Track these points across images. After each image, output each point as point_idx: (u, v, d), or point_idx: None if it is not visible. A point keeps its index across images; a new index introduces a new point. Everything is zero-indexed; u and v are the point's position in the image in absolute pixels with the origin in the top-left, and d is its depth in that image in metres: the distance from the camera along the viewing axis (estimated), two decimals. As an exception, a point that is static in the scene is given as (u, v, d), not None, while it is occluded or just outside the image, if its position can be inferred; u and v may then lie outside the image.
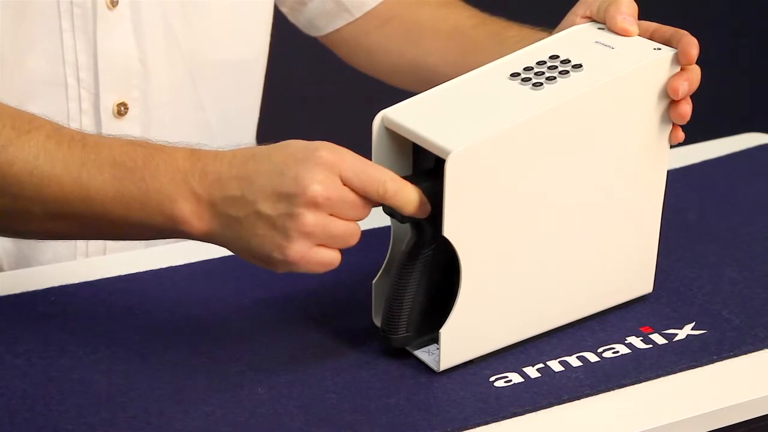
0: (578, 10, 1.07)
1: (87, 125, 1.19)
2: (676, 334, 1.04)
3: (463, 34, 1.26)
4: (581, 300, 1.04)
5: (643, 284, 1.08)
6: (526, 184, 0.96)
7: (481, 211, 0.94)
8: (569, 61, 0.99)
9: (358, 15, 1.32)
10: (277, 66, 1.38)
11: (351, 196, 0.91)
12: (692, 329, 1.04)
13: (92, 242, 1.23)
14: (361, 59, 1.35)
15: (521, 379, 0.97)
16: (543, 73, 0.99)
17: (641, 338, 1.03)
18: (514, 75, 0.99)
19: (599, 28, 1.05)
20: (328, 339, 1.02)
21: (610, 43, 1.02)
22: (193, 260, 1.14)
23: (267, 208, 0.90)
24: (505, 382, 0.97)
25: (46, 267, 1.16)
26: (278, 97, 1.55)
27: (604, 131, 0.99)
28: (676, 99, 1.00)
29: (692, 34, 1.00)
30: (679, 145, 1.06)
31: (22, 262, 1.23)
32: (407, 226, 0.98)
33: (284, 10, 1.36)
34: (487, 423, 0.93)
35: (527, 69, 0.99)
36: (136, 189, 0.93)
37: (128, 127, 1.21)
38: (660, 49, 1.00)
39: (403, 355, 0.99)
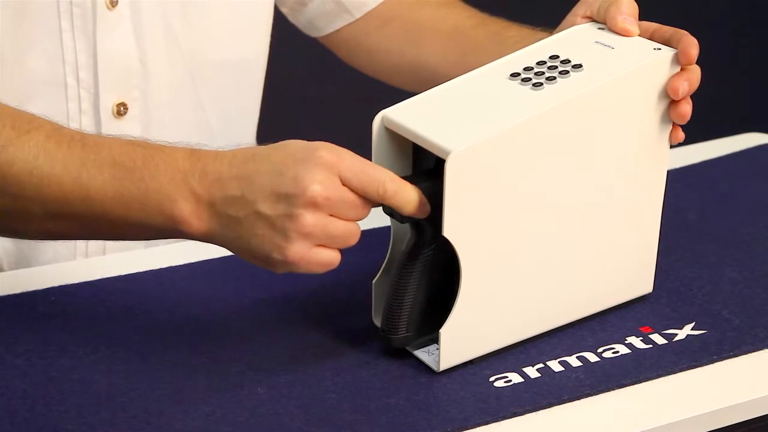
0: (578, 10, 1.08)
1: (87, 125, 1.19)
2: (676, 334, 1.04)
3: (463, 34, 1.26)
4: (581, 300, 1.04)
5: (643, 284, 1.08)
6: (526, 184, 0.96)
7: (481, 211, 0.94)
8: (569, 61, 0.99)
9: (358, 15, 1.32)
10: (277, 66, 1.38)
11: (350, 196, 0.91)
12: (692, 329, 1.04)
13: (92, 242, 1.23)
14: (361, 59, 1.35)
15: (521, 379, 0.97)
16: (543, 73, 0.99)
17: (641, 338, 1.03)
18: (514, 75, 0.99)
19: (599, 28, 1.05)
20: (328, 339, 1.02)
21: (611, 43, 1.02)
22: (193, 260, 1.14)
23: (266, 208, 0.90)
24: (505, 382, 0.97)
25: (46, 267, 1.16)
26: (278, 97, 1.55)
27: (604, 131, 0.99)
28: (676, 99, 1.00)
29: (692, 34, 1.00)
30: (679, 145, 1.06)
31: (22, 262, 1.23)
32: (407, 226, 0.98)
33: (284, 10, 1.36)
34: (487, 423, 0.93)
35: (527, 69, 0.99)
36: (135, 189, 0.93)
37: (128, 127, 1.21)
38: (660, 49, 1.00)
39: (403, 355, 0.99)
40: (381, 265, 1.01)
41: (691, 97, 1.01)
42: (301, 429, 0.92)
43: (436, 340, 0.97)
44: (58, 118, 1.17)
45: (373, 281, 1.02)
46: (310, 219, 0.90)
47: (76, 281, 1.10)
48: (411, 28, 1.30)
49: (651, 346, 1.02)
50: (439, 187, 0.91)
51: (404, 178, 0.94)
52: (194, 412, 0.93)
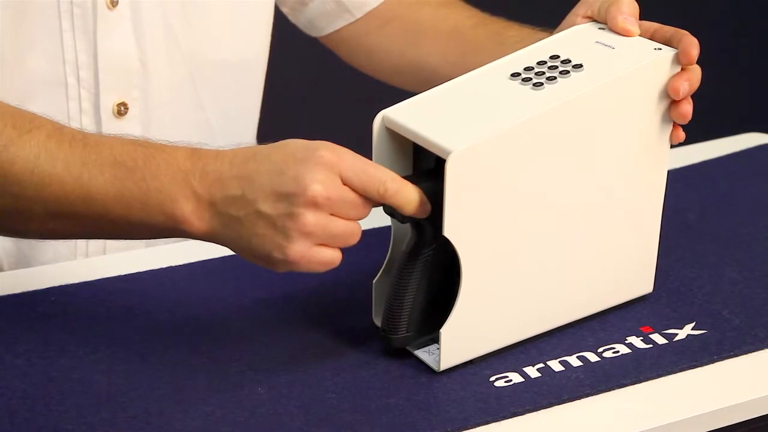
0: (579, 10, 1.08)
1: (87, 125, 1.19)
2: (677, 334, 1.04)
3: (463, 34, 1.26)
4: (581, 300, 1.04)
5: (644, 284, 1.08)
6: (527, 184, 0.96)
7: (481, 211, 0.94)
8: (570, 61, 0.99)
9: (358, 15, 1.32)
10: (277, 66, 1.38)
11: (351, 195, 0.91)
12: (692, 329, 1.04)
13: (92, 242, 1.23)
14: (361, 59, 1.35)
15: (521, 379, 0.97)
16: (543, 73, 0.99)
17: (641, 338, 1.03)
18: (515, 75, 0.99)
19: (600, 28, 1.05)
20: (328, 339, 1.02)
21: (611, 43, 1.02)
22: (193, 260, 1.14)
23: (267, 207, 0.91)
24: (505, 381, 0.97)
25: (46, 267, 1.16)
26: (278, 97, 1.55)
27: (605, 131, 0.99)
28: (677, 99, 1.00)
29: (692, 34, 1.00)
30: (679, 145, 1.06)
31: (22, 261, 1.23)
32: (407, 226, 0.98)
33: (285, 10, 1.36)
34: (487, 423, 0.93)
35: (528, 69, 0.99)
36: (136, 189, 0.93)
37: (128, 127, 1.20)
38: (660, 49, 1.00)
39: (403, 355, 0.99)
40: (381, 265, 1.01)
41: (691, 97, 1.01)
42: (301, 429, 0.92)
43: (436, 339, 0.97)
44: (59, 117, 1.16)
45: (374, 281, 1.02)
46: (310, 218, 0.90)
47: (76, 281, 1.10)
48: (411, 28, 1.30)
49: (651, 346, 1.02)
50: (440, 187, 0.91)
51: (404, 177, 0.94)
52: (194, 412, 0.93)
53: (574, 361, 1.00)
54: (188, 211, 0.93)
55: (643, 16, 1.04)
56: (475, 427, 0.92)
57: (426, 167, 0.98)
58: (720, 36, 2.74)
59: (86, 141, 0.96)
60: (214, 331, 1.04)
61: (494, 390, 0.96)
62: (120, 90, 1.20)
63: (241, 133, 1.33)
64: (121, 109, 1.20)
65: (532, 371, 0.98)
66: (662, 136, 1.03)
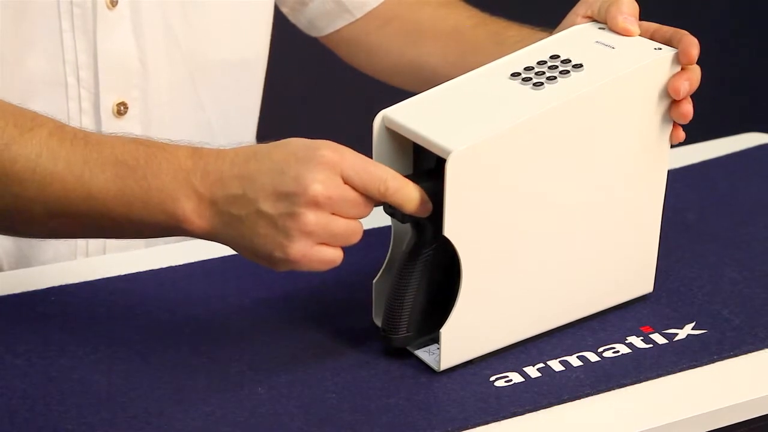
0: (579, 9, 1.08)
1: (87, 125, 1.19)
2: (677, 334, 1.04)
3: (462, 34, 1.26)
4: (582, 300, 1.04)
5: (644, 284, 1.08)
6: (527, 183, 0.96)
7: (481, 211, 0.94)
8: (570, 61, 0.99)
9: (359, 15, 1.32)
10: (277, 66, 1.38)
11: (352, 194, 0.91)
12: (692, 329, 1.04)
13: (92, 241, 1.23)
14: (361, 59, 1.35)
15: (521, 379, 0.97)
16: (543, 72, 0.99)
17: (641, 338, 1.03)
18: (515, 75, 0.99)
19: (600, 28, 1.05)
20: (328, 339, 1.02)
21: (611, 43, 1.02)
22: (193, 260, 1.14)
23: (268, 207, 0.91)
24: (505, 381, 0.97)
25: (46, 267, 1.16)
26: (278, 97, 1.55)
27: (605, 131, 0.99)
28: (677, 99, 1.00)
29: (692, 34, 1.00)
30: (679, 145, 1.06)
31: (22, 261, 1.23)
32: (408, 226, 0.98)
33: (285, 10, 1.36)
34: (487, 423, 0.93)
35: (528, 69, 0.99)
36: (138, 187, 0.93)
37: (128, 127, 1.21)
38: (660, 49, 1.00)
39: (403, 355, 0.99)
40: (381, 265, 1.01)
41: (691, 97, 1.01)
42: (301, 429, 0.92)
43: (436, 339, 0.97)
44: (59, 117, 1.16)
45: (374, 281, 1.02)
46: (311, 218, 0.90)
47: (76, 281, 1.10)
48: (411, 28, 1.30)
49: (651, 345, 1.02)
50: (440, 186, 0.91)
51: (405, 177, 0.94)
52: (194, 412, 0.93)
53: (574, 360, 1.00)
54: (189, 209, 0.93)
55: (643, 16, 1.04)
56: (475, 427, 0.92)
57: (426, 167, 0.98)
58: (720, 36, 2.74)
59: (88, 140, 0.96)
60: (214, 331, 1.04)
61: (494, 390, 0.96)
62: (120, 90, 1.20)
63: (240, 133, 1.33)
64: (121, 109, 1.20)
65: (532, 371, 0.98)
66: (662, 136, 1.03)
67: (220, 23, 1.25)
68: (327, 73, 2.04)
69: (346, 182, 0.91)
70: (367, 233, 0.95)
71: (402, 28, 1.30)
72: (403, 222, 0.96)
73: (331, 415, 0.93)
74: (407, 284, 0.97)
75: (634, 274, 1.07)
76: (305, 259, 0.91)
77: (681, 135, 1.03)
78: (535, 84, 0.97)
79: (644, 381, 0.98)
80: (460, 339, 0.97)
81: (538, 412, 0.94)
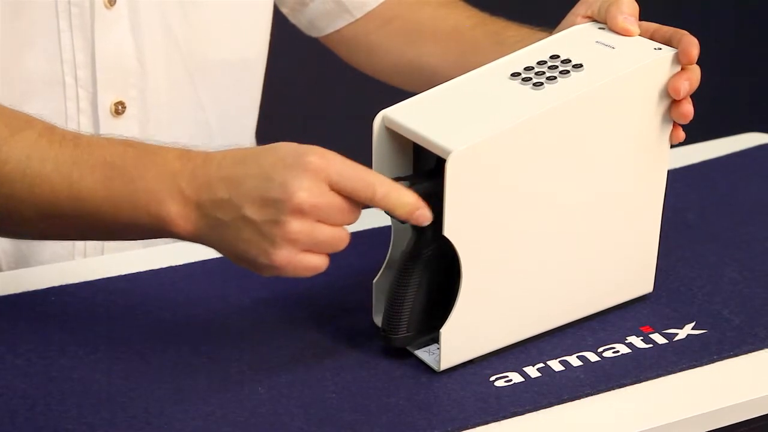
0: (579, 9, 1.08)
1: (85, 124, 1.19)
2: (677, 334, 1.04)
3: (462, 34, 1.26)
4: (581, 300, 1.04)
5: (644, 284, 1.08)
6: (527, 183, 0.96)
7: (481, 210, 0.94)
8: (570, 61, 0.99)
9: (359, 15, 1.32)
10: (277, 66, 1.38)
11: (338, 201, 0.91)
12: (692, 329, 1.04)
13: (90, 242, 1.23)
14: (361, 59, 1.35)
15: (521, 379, 0.97)
16: (543, 72, 0.99)
17: (641, 338, 1.03)
18: (515, 75, 0.99)
19: (600, 28, 1.05)
20: (328, 339, 1.02)
21: (611, 43, 1.02)
22: (193, 260, 1.14)
23: (253, 213, 0.90)
24: (505, 381, 0.97)
25: (45, 267, 1.16)
26: (278, 97, 1.55)
27: (605, 131, 0.99)
28: (677, 98, 1.00)
29: (692, 34, 1.00)
30: (679, 145, 1.06)
31: (21, 261, 1.23)
32: (408, 226, 0.98)
33: (285, 11, 1.36)
34: (487, 423, 0.93)
35: (528, 69, 0.99)
36: (125, 189, 0.93)
37: (126, 126, 1.20)
38: (660, 48, 1.00)
39: (403, 355, 0.99)
40: (381, 265, 1.01)
41: (691, 96, 1.01)
42: (301, 429, 0.92)
43: (436, 339, 0.97)
44: (57, 117, 1.17)
45: (374, 281, 1.02)
46: (296, 226, 0.90)
47: (76, 281, 1.10)
48: (411, 28, 1.30)
49: (651, 345, 1.02)
50: (440, 186, 0.91)
51: (405, 177, 0.94)
52: (194, 412, 0.93)
53: (574, 360, 1.00)
54: (175, 212, 0.93)
55: (643, 16, 1.04)
56: (475, 427, 0.92)
57: (426, 167, 0.97)
58: (720, 36, 2.74)
59: (77, 141, 0.96)
60: (214, 331, 1.04)
61: (494, 390, 0.96)
62: (118, 89, 1.20)
63: (239, 133, 1.33)
64: (119, 108, 1.20)
65: (532, 371, 0.98)
66: (662, 136, 1.03)
67: (219, 23, 1.25)
68: (327, 73, 2.04)
69: (333, 188, 0.90)
70: (367, 233, 0.95)
71: (402, 28, 1.30)
72: (403, 222, 0.96)
73: (331, 415, 0.93)
74: (407, 284, 0.97)
75: (634, 274, 1.07)
76: (290, 266, 0.91)
77: (681, 135, 1.03)
78: (535, 84, 0.97)
79: (644, 381, 0.98)
80: (460, 339, 0.97)
81: (538, 412, 0.94)
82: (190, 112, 1.26)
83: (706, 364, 1.00)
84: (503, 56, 1.02)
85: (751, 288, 1.11)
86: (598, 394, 0.96)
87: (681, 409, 0.96)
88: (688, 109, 1.01)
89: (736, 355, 1.01)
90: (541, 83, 0.97)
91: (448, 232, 0.93)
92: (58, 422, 0.92)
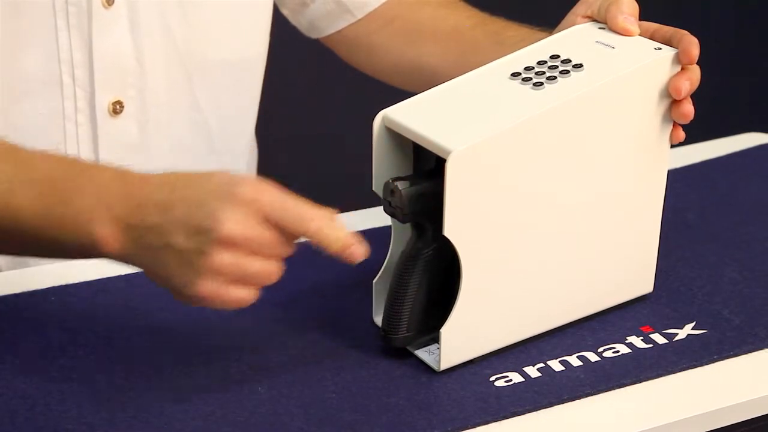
0: (579, 9, 1.08)
1: (82, 123, 1.19)
2: (677, 334, 1.04)
3: (462, 34, 1.26)
4: (582, 299, 1.04)
5: (644, 284, 1.08)
6: (527, 183, 0.96)
7: (481, 210, 0.94)
8: (570, 61, 0.99)
9: (360, 16, 1.32)
10: (276, 66, 1.38)
11: (269, 234, 0.89)
12: (692, 329, 1.04)
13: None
14: (361, 59, 1.35)
15: (522, 379, 0.97)
16: (544, 72, 0.99)
17: (642, 338, 1.03)
18: (515, 75, 0.99)
19: (600, 28, 1.05)
20: (328, 339, 1.02)
21: (611, 43, 1.02)
22: (193, 260, 1.14)
23: (180, 241, 0.88)
24: (505, 381, 0.97)
25: (45, 267, 1.16)
26: (277, 98, 1.55)
27: (605, 131, 0.99)
28: (678, 98, 1.00)
29: (693, 34, 1.00)
30: (679, 145, 1.06)
31: (21, 261, 1.22)
32: (408, 226, 0.98)
33: (285, 12, 1.36)
34: (487, 422, 0.93)
35: (528, 69, 0.99)
36: (59, 207, 0.92)
37: (124, 126, 1.20)
38: (661, 48, 1.00)
39: (403, 354, 0.99)
40: (381, 265, 1.01)
41: (691, 96, 1.02)
42: (301, 429, 0.92)
43: (436, 339, 0.97)
44: (54, 116, 1.17)
45: (374, 281, 1.02)
46: (222, 257, 0.88)
47: (76, 281, 1.10)
48: (411, 28, 1.30)
49: (651, 345, 1.02)
50: (440, 186, 0.91)
51: (405, 177, 0.94)
52: (194, 412, 0.93)
53: (574, 360, 1.00)
54: (106, 233, 0.91)
55: (643, 16, 1.04)
56: (475, 426, 0.92)
57: (426, 167, 0.98)
58: (720, 36, 2.74)
59: (17, 157, 0.95)
60: (214, 331, 1.04)
61: (494, 390, 0.96)
62: (115, 88, 1.20)
63: (238, 134, 1.33)
64: (117, 108, 1.20)
65: (532, 371, 0.98)
66: (662, 136, 1.03)
67: (218, 23, 1.25)
68: (327, 73, 2.04)
69: (266, 220, 0.89)
70: (367, 233, 0.95)
71: (402, 28, 1.30)
72: (403, 222, 0.96)
73: (331, 415, 0.93)
74: (407, 284, 0.97)
75: (634, 274, 1.07)
76: (215, 298, 0.89)
77: (681, 135, 1.03)
78: (535, 84, 0.97)
79: (644, 381, 0.98)
80: (460, 339, 0.97)
81: (538, 412, 0.94)
82: (189, 112, 1.26)
83: (706, 364, 1.00)
84: (503, 56, 1.02)
85: (751, 288, 1.11)
86: (598, 394, 0.96)
87: (681, 409, 0.96)
88: (688, 109, 1.01)
89: (736, 355, 1.01)
90: (541, 83, 0.97)
91: (448, 232, 0.93)
92: (58, 422, 0.92)
